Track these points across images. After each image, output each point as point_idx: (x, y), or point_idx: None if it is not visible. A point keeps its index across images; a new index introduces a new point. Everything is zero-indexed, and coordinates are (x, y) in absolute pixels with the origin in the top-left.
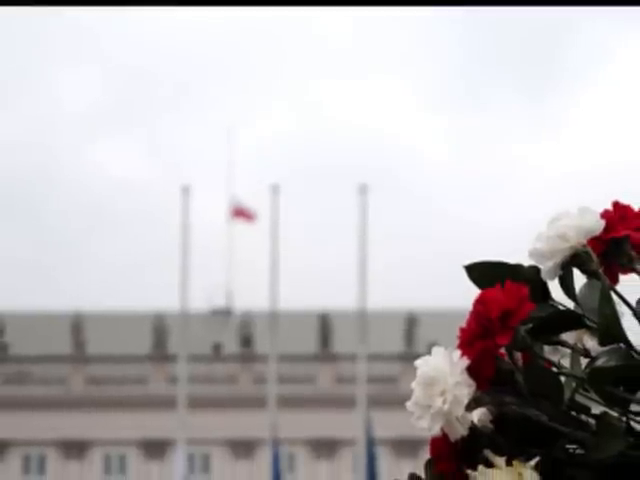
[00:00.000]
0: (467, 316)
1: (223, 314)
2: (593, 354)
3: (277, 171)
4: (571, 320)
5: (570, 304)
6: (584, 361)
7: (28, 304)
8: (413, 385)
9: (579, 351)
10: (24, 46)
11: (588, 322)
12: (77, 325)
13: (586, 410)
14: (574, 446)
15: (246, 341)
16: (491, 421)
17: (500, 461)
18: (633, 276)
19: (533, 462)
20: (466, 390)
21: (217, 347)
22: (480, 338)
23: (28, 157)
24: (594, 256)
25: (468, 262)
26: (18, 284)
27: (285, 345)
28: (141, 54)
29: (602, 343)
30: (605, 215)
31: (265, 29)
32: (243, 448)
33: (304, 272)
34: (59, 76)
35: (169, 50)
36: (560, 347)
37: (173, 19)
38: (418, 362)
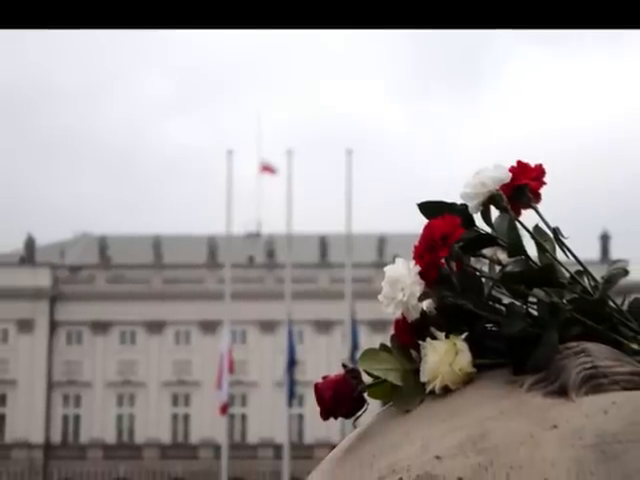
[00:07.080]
0: (419, 237)
1: (255, 236)
2: (504, 263)
3: (291, 140)
4: (489, 240)
5: (488, 230)
6: (498, 268)
7: (123, 229)
8: (383, 284)
9: (494, 261)
10: (120, 55)
11: (500, 242)
12: (157, 243)
13: (499, 301)
14: (491, 325)
15: (270, 254)
16: (435, 308)
17: (441, 335)
18: (530, 211)
19: (463, 336)
20: (418, 287)
21: (251, 258)
22: (428, 252)
23: (124, 129)
24: (504, 197)
25: (420, 201)
26: (117, 215)
27: (297, 257)
28: (196, 59)
29: (510, 256)
30: (512, 170)
31: (281, 42)
32: (268, 327)
33: (309, 208)
34: (142, 75)
35: (215, 56)
36: (481, 258)
37: (217, 35)
38: (386, 268)
